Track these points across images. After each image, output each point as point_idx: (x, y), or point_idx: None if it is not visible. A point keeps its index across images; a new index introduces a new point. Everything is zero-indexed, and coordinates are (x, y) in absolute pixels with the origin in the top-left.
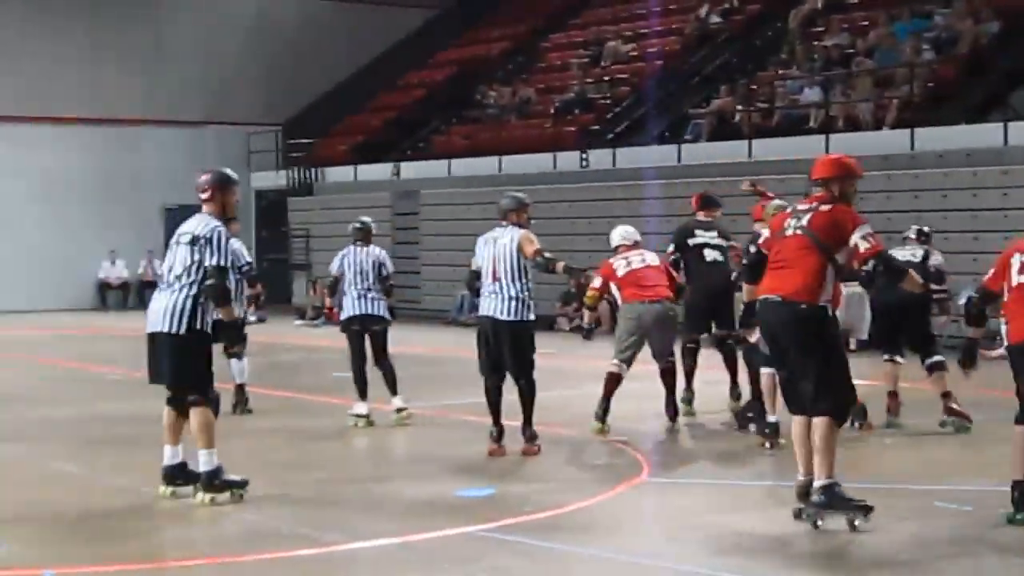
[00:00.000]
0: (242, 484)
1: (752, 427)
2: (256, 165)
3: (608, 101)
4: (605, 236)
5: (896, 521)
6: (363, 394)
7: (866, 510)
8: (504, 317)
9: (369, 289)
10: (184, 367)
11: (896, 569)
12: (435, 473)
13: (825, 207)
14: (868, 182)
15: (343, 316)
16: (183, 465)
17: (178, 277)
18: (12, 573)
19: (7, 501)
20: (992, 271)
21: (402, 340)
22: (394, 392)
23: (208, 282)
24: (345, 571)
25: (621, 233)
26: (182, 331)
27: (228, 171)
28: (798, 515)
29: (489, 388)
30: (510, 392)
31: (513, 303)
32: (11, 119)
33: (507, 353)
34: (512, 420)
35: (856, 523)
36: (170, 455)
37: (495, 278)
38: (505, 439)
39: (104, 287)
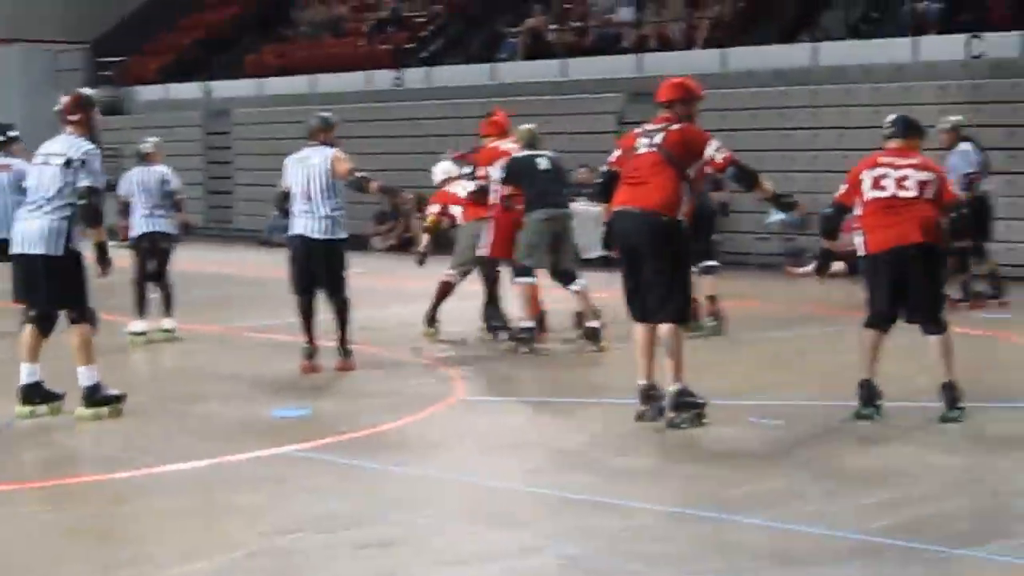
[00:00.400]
0: (121, 398)
1: (503, 334)
2: (63, 84)
3: (423, 19)
4: (420, 155)
5: (710, 438)
6: (141, 312)
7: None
8: (317, 235)
9: (156, 207)
10: (64, 288)
11: (708, 483)
12: (250, 394)
13: (676, 127)
14: None
15: (132, 235)
16: (40, 384)
17: (49, 199)
18: None
19: None
20: (844, 187)
21: (215, 260)
22: (168, 313)
23: (81, 202)
24: (162, 493)
25: (444, 168)
26: (60, 252)
27: (91, 91)
28: (640, 417)
29: (302, 306)
30: (324, 312)
31: (326, 221)
32: None
33: (320, 271)
34: (327, 341)
35: (704, 421)
36: (28, 373)
37: (308, 197)
38: (320, 358)
39: None
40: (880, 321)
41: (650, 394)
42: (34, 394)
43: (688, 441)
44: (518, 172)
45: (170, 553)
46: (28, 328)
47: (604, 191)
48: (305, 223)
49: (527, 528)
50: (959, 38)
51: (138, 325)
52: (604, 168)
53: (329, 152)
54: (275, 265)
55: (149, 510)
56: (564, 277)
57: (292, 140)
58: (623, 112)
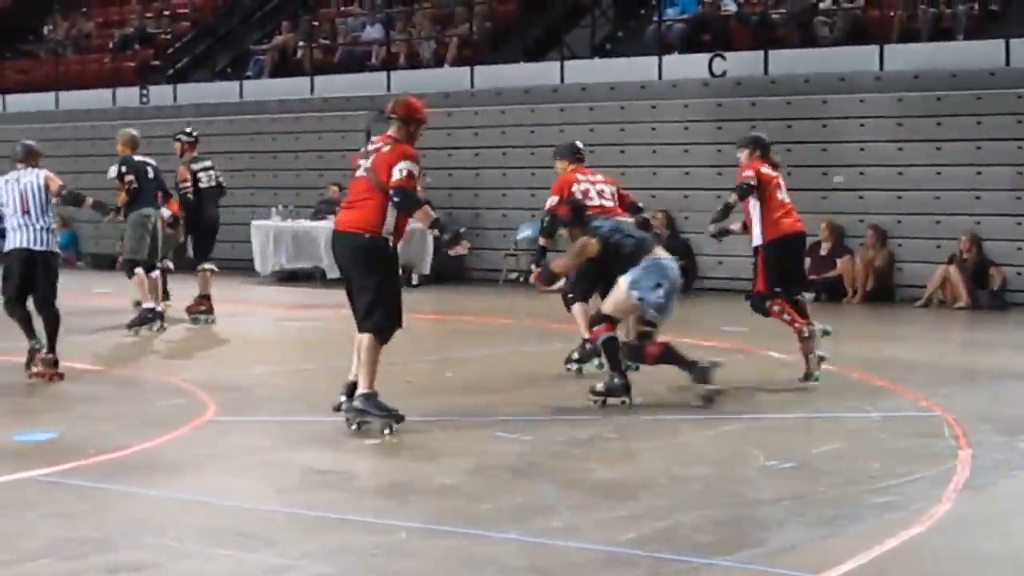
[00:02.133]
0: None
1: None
2: None
3: (168, 36)
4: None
5: (458, 453)
6: None
7: (397, 419)
8: (37, 247)
9: None
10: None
11: (456, 497)
12: None
13: (387, 148)
14: (431, 119)
15: None
16: None
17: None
18: None
19: None
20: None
21: None
22: None
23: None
24: None
25: None
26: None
27: None
28: (337, 408)
29: (19, 312)
30: None
31: (44, 234)
32: None
33: (40, 281)
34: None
35: (386, 431)
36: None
37: (24, 211)
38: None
39: None
40: None
41: (351, 391)
42: None
43: (438, 456)
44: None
45: None
46: None
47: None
48: (24, 236)
49: (279, 547)
50: (703, 57)
51: None
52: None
53: (43, 172)
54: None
55: None
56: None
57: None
58: (371, 129)
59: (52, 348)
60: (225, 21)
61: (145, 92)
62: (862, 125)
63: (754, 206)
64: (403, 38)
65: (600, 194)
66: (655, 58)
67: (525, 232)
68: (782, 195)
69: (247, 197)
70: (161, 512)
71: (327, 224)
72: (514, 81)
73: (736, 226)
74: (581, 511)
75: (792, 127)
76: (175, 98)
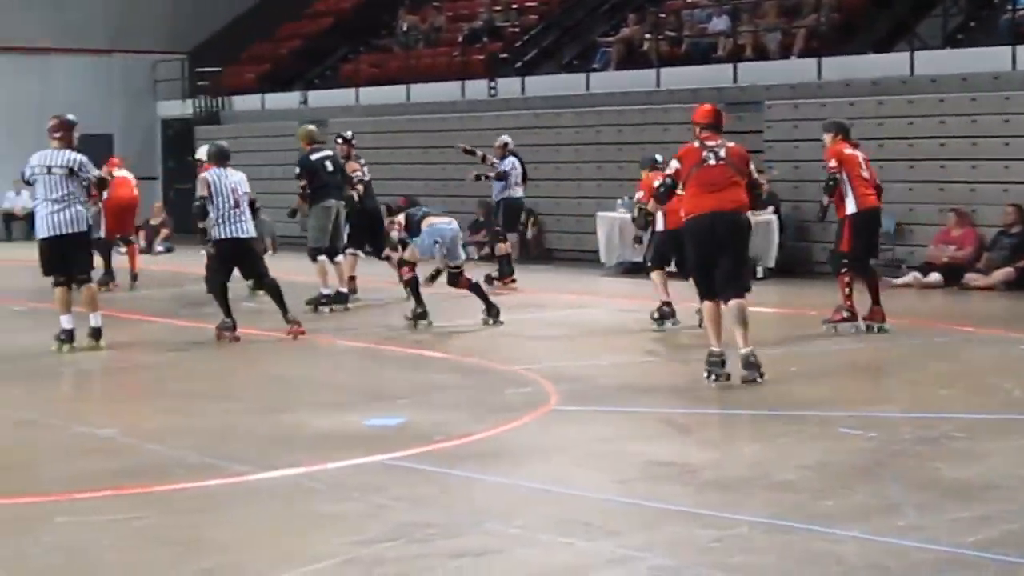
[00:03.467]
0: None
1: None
2: (162, 94)
3: (517, 29)
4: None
5: (801, 447)
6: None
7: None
8: (244, 235)
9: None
10: (88, 257)
11: (799, 493)
12: (344, 402)
13: (732, 143)
14: (777, 111)
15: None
16: (74, 331)
17: (65, 197)
18: None
19: None
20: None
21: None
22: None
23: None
24: (255, 501)
25: None
26: (84, 230)
27: (72, 116)
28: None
29: (223, 295)
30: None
31: (248, 224)
32: None
33: (251, 263)
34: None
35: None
36: (69, 321)
37: (235, 205)
38: None
39: (9, 217)
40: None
41: (747, 362)
42: (72, 338)
43: (780, 453)
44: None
45: (259, 562)
46: (60, 290)
47: (665, 197)
48: (233, 227)
49: (619, 539)
50: None
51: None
52: (668, 180)
53: (239, 172)
54: (368, 275)
55: (239, 518)
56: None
57: (387, 149)
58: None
59: (286, 311)
60: (572, 14)
61: (493, 85)
62: None
63: (844, 182)
64: (749, 29)
65: None
66: (1008, 48)
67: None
68: (865, 173)
69: (593, 189)
70: (505, 499)
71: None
72: (862, 72)
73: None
74: (926, 511)
75: None
76: (523, 90)
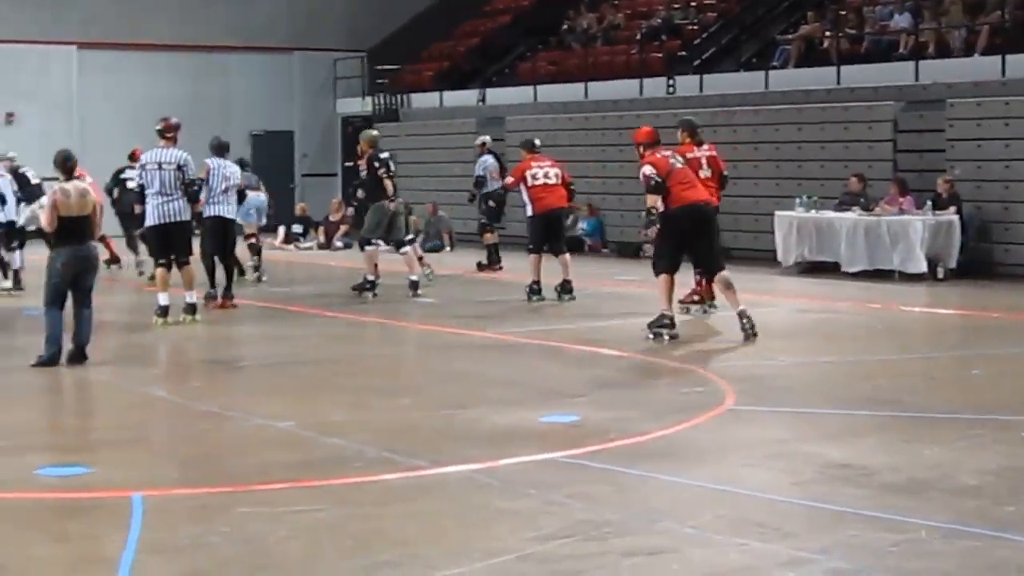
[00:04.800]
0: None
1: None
2: (342, 91)
3: (695, 27)
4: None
5: (982, 452)
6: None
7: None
8: (229, 216)
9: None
10: (188, 243)
11: (979, 498)
12: (520, 399)
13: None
14: (959, 109)
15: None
16: (168, 307)
17: (172, 190)
18: (101, 495)
19: (96, 425)
20: None
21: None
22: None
23: (193, 188)
24: (430, 495)
25: None
26: (187, 219)
27: (176, 119)
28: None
29: (210, 259)
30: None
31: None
32: (104, 45)
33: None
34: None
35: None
36: (166, 299)
37: (226, 191)
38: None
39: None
40: None
41: None
42: (168, 314)
43: (960, 457)
44: None
45: (436, 555)
46: (162, 271)
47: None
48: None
49: (796, 540)
50: None
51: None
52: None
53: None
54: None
55: (416, 512)
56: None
57: (565, 147)
58: (898, 120)
59: (228, 288)
60: (751, 11)
61: (672, 83)
62: None
63: None
64: (932, 27)
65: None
66: None
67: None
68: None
69: (772, 187)
70: (679, 498)
71: (851, 216)
72: None
73: None
74: None
75: None
76: (700, 88)
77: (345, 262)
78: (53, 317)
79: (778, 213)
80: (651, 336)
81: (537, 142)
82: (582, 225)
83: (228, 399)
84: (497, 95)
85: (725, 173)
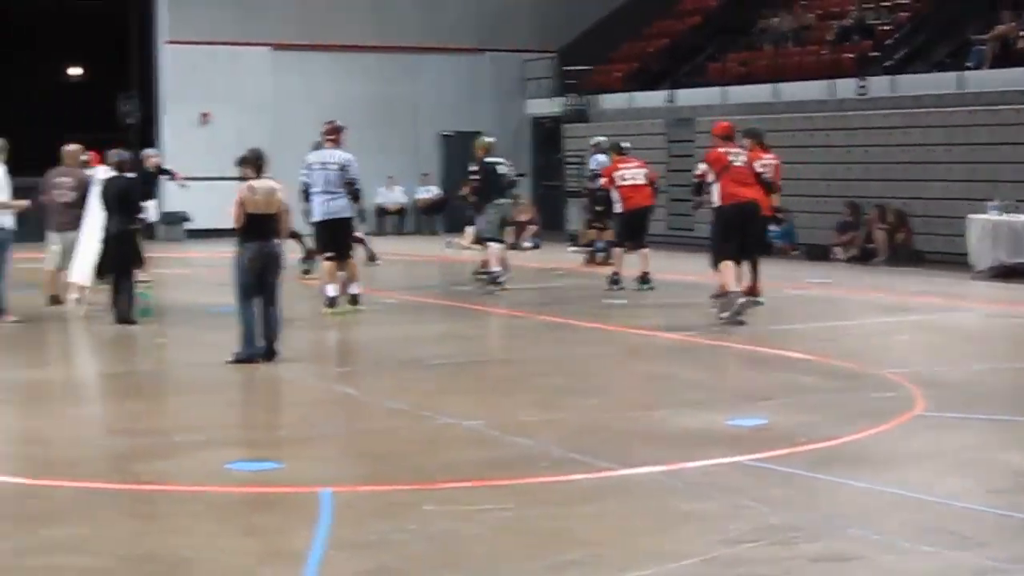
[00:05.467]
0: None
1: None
2: (531, 92)
3: (887, 27)
4: (884, 164)
5: None
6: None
7: None
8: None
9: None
10: (350, 238)
11: None
12: (707, 401)
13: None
14: None
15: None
16: (336, 297)
17: (336, 188)
18: (291, 491)
19: (287, 421)
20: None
21: (677, 268)
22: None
23: (355, 187)
24: (616, 496)
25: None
26: (350, 216)
27: (341, 122)
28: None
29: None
30: None
31: None
32: (297, 47)
33: None
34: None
35: None
36: (334, 290)
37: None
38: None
39: (381, 212)
40: None
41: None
42: (337, 303)
43: None
44: None
45: (621, 557)
46: (329, 264)
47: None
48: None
49: (988, 549)
50: None
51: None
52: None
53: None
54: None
55: (602, 513)
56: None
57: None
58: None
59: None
60: (945, 11)
61: (863, 84)
62: None
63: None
64: None
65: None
66: None
67: None
68: None
69: (964, 190)
70: (868, 504)
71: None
72: None
73: None
74: None
75: None
76: (892, 89)
77: (533, 263)
78: (247, 314)
79: (971, 216)
80: (723, 316)
81: (625, 145)
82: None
83: (416, 397)
84: (686, 96)
85: (770, 180)
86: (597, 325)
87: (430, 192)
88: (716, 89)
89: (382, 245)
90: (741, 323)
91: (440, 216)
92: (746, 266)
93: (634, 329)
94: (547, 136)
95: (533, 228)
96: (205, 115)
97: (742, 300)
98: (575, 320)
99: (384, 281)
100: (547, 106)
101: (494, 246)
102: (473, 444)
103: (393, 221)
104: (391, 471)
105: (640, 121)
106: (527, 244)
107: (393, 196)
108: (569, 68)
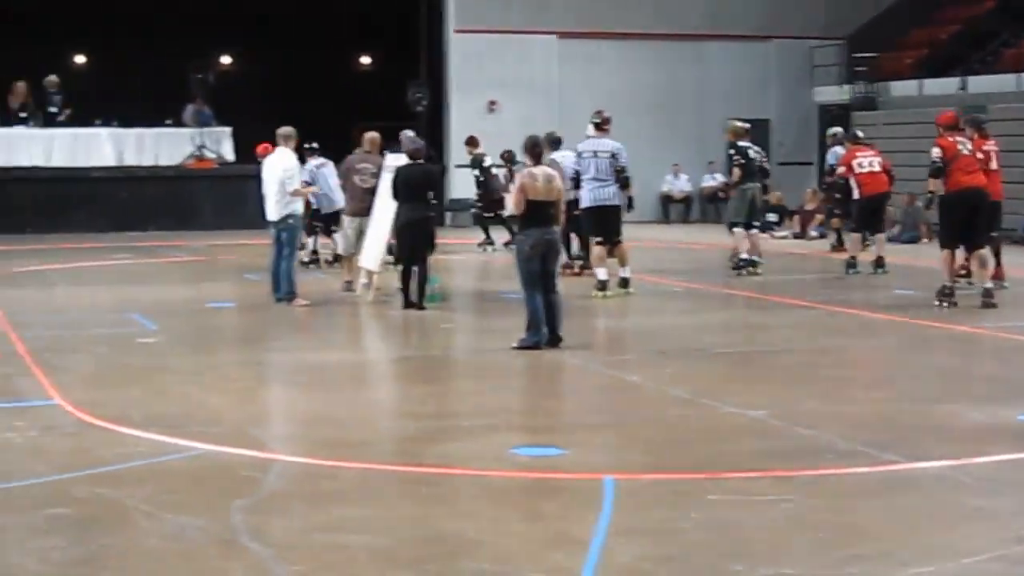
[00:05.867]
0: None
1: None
2: (818, 79)
3: None
4: None
5: None
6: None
7: None
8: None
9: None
10: (620, 223)
11: None
12: (998, 395)
13: None
14: None
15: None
16: (607, 281)
17: (606, 176)
18: (574, 477)
19: (570, 407)
20: None
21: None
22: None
23: (625, 175)
24: (902, 491)
25: None
26: (618, 203)
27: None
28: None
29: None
30: None
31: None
32: (583, 35)
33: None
34: None
35: None
36: (604, 273)
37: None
38: None
39: (666, 200)
40: None
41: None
42: (607, 287)
43: None
44: None
45: (907, 552)
46: (601, 248)
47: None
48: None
49: None
50: None
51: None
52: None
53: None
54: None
55: (888, 507)
56: None
57: None
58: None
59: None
60: None
61: None
62: None
63: None
64: None
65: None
66: None
67: None
68: None
69: None
70: None
71: None
72: None
73: None
74: None
75: None
76: None
77: (821, 251)
78: (534, 301)
79: None
80: (936, 303)
81: (860, 134)
82: None
83: (700, 386)
84: (979, 83)
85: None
86: (886, 316)
87: (716, 180)
88: (1011, 76)
89: (666, 233)
90: (989, 305)
91: (725, 204)
92: (985, 252)
93: (925, 321)
94: (835, 124)
95: (820, 217)
96: (493, 103)
97: (949, 290)
98: (869, 312)
99: (653, 267)
100: (835, 93)
101: (739, 231)
102: (757, 434)
103: (678, 209)
104: (673, 459)
105: (930, 109)
106: (814, 233)
107: (679, 184)
108: (857, 55)
